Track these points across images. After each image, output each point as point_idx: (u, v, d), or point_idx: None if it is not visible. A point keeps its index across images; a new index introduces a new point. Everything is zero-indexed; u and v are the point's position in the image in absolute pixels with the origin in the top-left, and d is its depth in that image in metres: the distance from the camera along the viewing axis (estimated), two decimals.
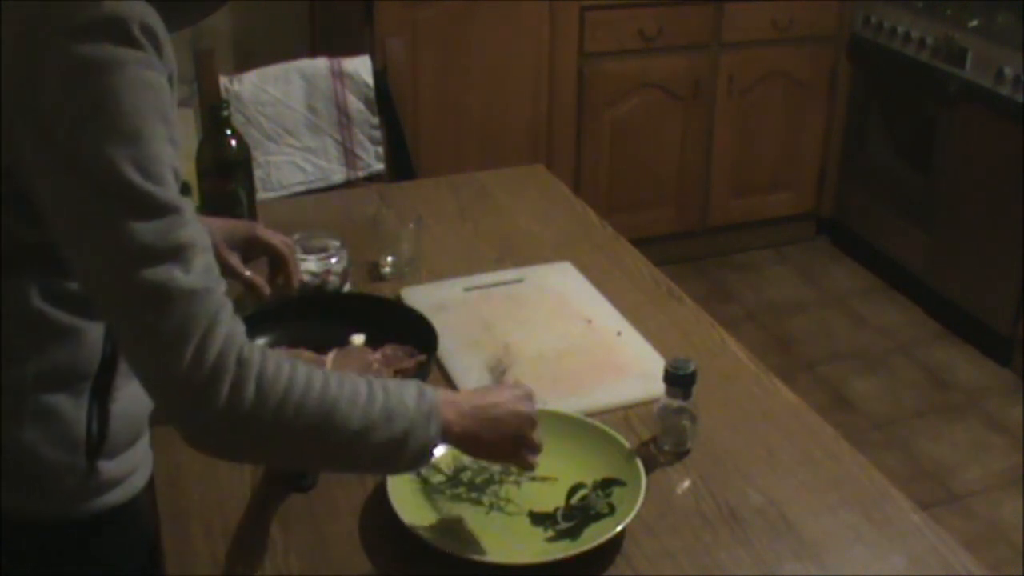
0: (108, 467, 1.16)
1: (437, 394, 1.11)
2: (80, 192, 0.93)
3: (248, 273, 1.48)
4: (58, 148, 0.93)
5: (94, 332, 1.11)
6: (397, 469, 1.16)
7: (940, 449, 2.94)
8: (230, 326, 0.97)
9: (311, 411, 0.99)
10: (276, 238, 1.50)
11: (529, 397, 1.20)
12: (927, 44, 3.38)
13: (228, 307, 0.99)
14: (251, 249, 1.50)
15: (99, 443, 1.14)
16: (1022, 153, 3.06)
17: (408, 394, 1.07)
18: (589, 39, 3.41)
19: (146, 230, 0.93)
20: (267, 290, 1.49)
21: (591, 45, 3.42)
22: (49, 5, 0.93)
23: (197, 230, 0.98)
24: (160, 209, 0.94)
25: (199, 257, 0.97)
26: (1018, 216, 3.10)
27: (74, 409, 1.11)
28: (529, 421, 1.18)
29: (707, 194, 3.80)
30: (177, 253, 0.95)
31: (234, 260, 1.47)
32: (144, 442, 1.23)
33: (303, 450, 1.03)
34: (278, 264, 1.53)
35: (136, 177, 0.93)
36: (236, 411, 0.96)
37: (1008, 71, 3.07)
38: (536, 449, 1.19)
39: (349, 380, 1.04)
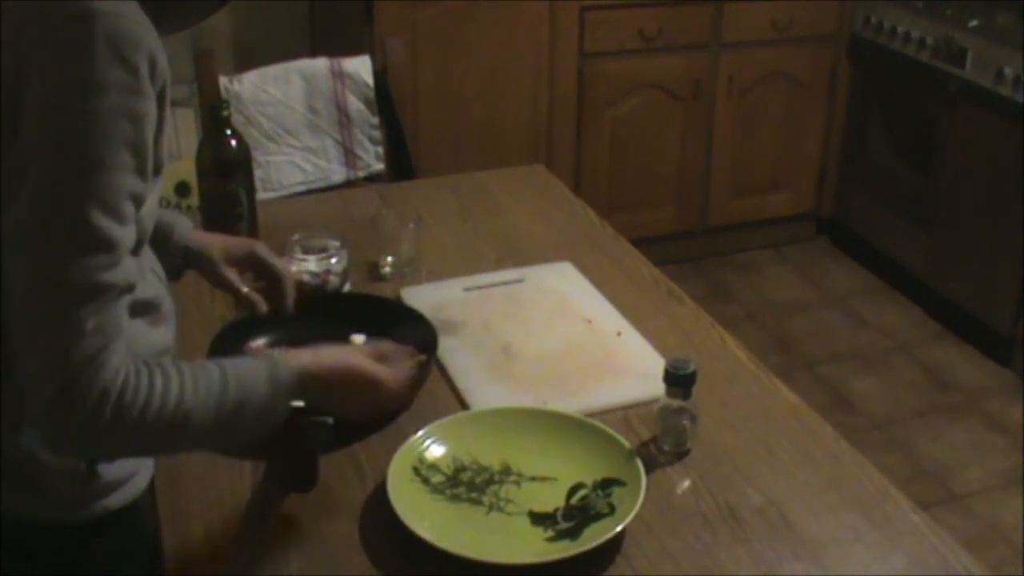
0: (108, 470, 1.16)
1: (291, 368, 1.14)
2: (31, 206, 0.95)
3: (246, 290, 1.48)
4: (25, 158, 0.95)
5: None
6: (262, 434, 1.17)
7: (940, 449, 2.94)
8: (105, 363, 0.98)
9: (167, 423, 1.03)
10: (274, 259, 1.49)
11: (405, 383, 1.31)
12: (927, 44, 3.38)
13: (114, 342, 1.00)
14: (248, 267, 1.49)
15: None
16: (1022, 153, 3.06)
17: (260, 378, 1.11)
18: (589, 39, 3.41)
19: (74, 268, 0.96)
20: (264, 307, 1.48)
21: (591, 45, 3.42)
22: (42, 15, 0.94)
23: (124, 269, 1.00)
24: (95, 246, 0.97)
25: (112, 298, 0.99)
26: (1018, 216, 3.10)
27: None
28: (394, 398, 1.29)
29: (707, 194, 3.80)
30: (95, 294, 0.97)
31: (232, 276, 1.47)
32: None
33: (163, 449, 1.15)
34: (274, 285, 1.50)
35: (86, 207, 0.95)
36: (94, 431, 0.99)
37: (1008, 71, 3.07)
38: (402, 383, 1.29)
39: (205, 378, 1.06)
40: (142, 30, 0.97)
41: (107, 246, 0.98)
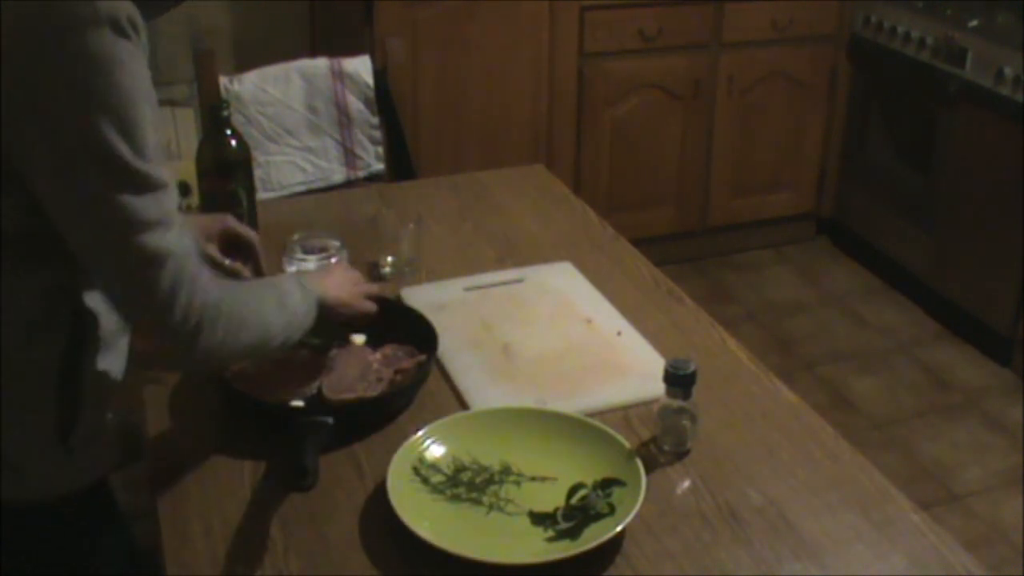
0: (80, 446, 1.22)
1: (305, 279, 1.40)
2: (81, 173, 1.06)
3: (228, 261, 1.57)
4: (59, 136, 1.04)
5: (63, 320, 1.18)
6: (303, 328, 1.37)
7: (940, 449, 2.94)
8: (202, 281, 1.16)
9: (254, 328, 1.25)
10: (243, 228, 1.60)
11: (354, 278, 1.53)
12: (927, 44, 3.38)
13: (196, 265, 1.16)
14: (224, 240, 1.59)
15: (71, 425, 1.20)
16: (1022, 153, 3.06)
17: (285, 284, 1.36)
18: (589, 39, 3.41)
19: (141, 203, 1.08)
20: (247, 274, 1.57)
21: (591, 45, 3.42)
22: (46, 4, 1.02)
23: (176, 202, 1.14)
24: (152, 184, 1.09)
25: (177, 223, 1.13)
26: (1018, 216, 3.10)
27: (46, 394, 1.18)
28: (358, 273, 1.55)
29: (707, 194, 3.80)
30: (166, 222, 1.11)
31: (213, 250, 1.56)
32: (111, 421, 1.29)
33: (255, 354, 1.39)
34: (247, 252, 1.61)
35: (130, 156, 1.06)
36: (210, 343, 1.17)
37: (1008, 71, 3.07)
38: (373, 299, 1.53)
39: (268, 289, 1.34)
40: (135, 14, 1.07)
41: (158, 184, 1.10)
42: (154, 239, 1.09)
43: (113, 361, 1.26)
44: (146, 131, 1.08)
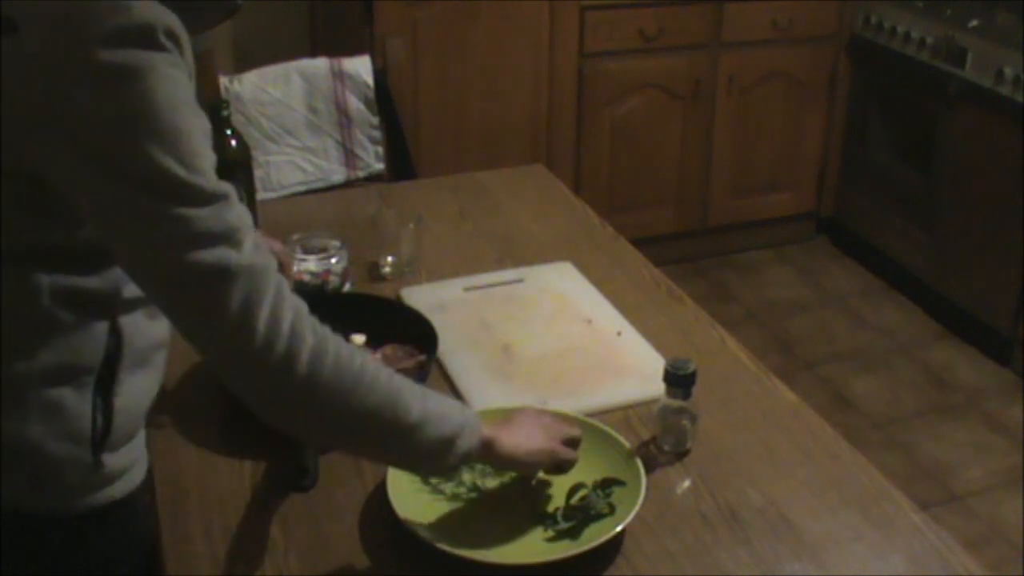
0: (111, 460, 1.17)
1: (477, 416, 1.19)
2: (128, 194, 0.97)
3: None
4: (97, 154, 0.97)
5: (99, 327, 1.13)
6: (438, 469, 1.21)
7: (940, 449, 2.94)
8: (296, 300, 1.03)
9: (380, 393, 1.06)
10: (274, 244, 1.52)
11: (554, 419, 1.30)
12: (927, 44, 3.38)
13: (286, 282, 1.04)
14: None
15: (103, 436, 1.15)
16: (1022, 153, 3.06)
17: (452, 403, 1.16)
18: (589, 39, 3.41)
19: (199, 217, 0.98)
20: None
21: (591, 45, 3.42)
22: (77, 13, 0.95)
23: (244, 211, 1.03)
24: (209, 197, 0.99)
25: (249, 237, 1.01)
26: (1018, 216, 3.10)
27: (79, 403, 1.13)
28: (549, 416, 1.30)
29: (707, 194, 3.80)
30: (230, 235, 0.99)
31: None
32: (142, 436, 1.25)
33: (366, 431, 1.09)
34: None
35: (182, 172, 0.97)
36: (315, 381, 1.02)
37: (1008, 71, 3.07)
38: (571, 442, 1.28)
39: (405, 378, 1.11)
40: (175, 24, 1.00)
41: (217, 196, 1.00)
42: (215, 255, 0.98)
43: (149, 376, 1.20)
44: (193, 141, 0.99)
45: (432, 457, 1.12)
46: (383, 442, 1.11)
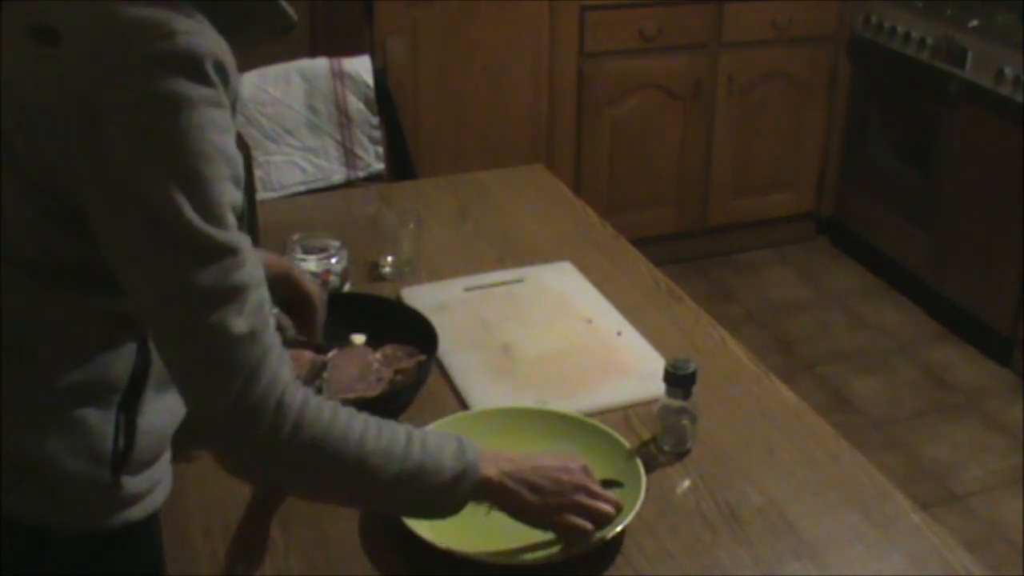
0: (131, 482, 1.13)
1: (477, 451, 1.13)
2: (138, 228, 0.95)
3: (276, 310, 1.44)
4: (118, 181, 0.94)
5: (127, 347, 1.10)
6: (432, 516, 1.18)
7: (940, 449, 2.94)
8: (275, 370, 1.00)
9: (345, 457, 1.04)
10: (310, 284, 1.46)
11: (584, 468, 1.21)
12: (927, 44, 3.38)
13: (275, 349, 1.01)
14: (282, 288, 1.44)
15: (124, 457, 1.12)
16: (1022, 153, 3.06)
17: (447, 451, 1.10)
18: (589, 39, 3.41)
19: (203, 274, 0.95)
20: (292, 333, 1.46)
21: (591, 45, 3.42)
22: (123, 31, 0.92)
23: (252, 268, 0.99)
24: (217, 252, 0.95)
25: (252, 297, 0.99)
26: (1018, 216, 3.10)
27: (102, 422, 1.10)
28: (576, 487, 1.19)
29: (707, 194, 3.80)
30: (232, 296, 0.97)
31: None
32: (166, 458, 1.21)
33: (337, 491, 1.09)
34: (301, 311, 1.47)
35: (195, 219, 0.94)
36: (271, 450, 1.01)
37: (1008, 71, 3.07)
38: (595, 514, 1.19)
39: (389, 430, 1.07)
40: (223, 53, 0.96)
41: (225, 251, 0.96)
42: (212, 318, 0.95)
43: (175, 398, 1.15)
44: (215, 189, 0.94)
45: (418, 510, 1.15)
46: (361, 499, 1.13)
